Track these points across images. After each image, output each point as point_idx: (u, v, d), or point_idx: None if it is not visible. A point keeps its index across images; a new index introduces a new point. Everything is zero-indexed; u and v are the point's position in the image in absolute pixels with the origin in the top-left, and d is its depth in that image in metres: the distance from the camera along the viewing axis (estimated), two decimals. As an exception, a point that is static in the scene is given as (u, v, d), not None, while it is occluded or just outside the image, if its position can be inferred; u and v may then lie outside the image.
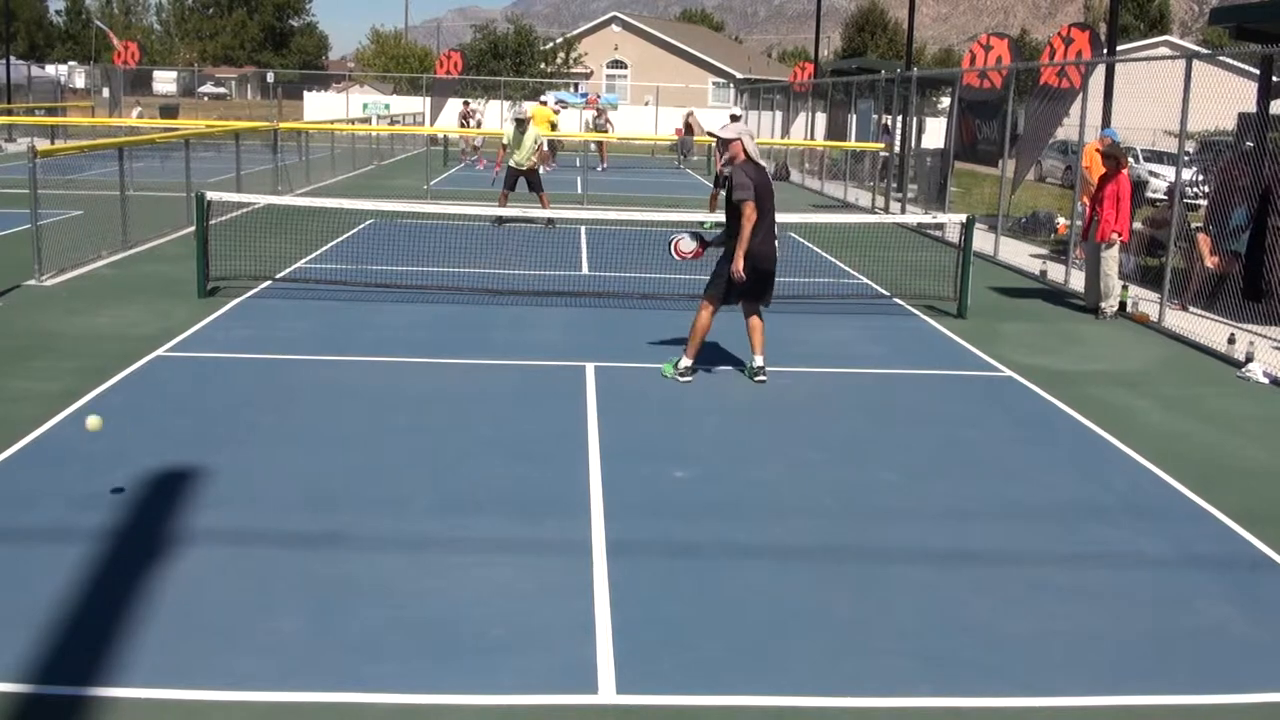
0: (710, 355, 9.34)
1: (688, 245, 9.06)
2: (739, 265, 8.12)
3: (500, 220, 16.34)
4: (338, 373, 8.51)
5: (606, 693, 4.19)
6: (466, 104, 34.41)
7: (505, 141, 17.61)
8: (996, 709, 4.20)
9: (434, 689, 4.16)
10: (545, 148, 18.58)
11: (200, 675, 4.18)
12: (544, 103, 34.12)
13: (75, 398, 7.53)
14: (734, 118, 18.29)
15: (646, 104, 51.74)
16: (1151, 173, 25.00)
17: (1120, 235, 11.86)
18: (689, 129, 36.09)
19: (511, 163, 17.33)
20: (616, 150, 37.12)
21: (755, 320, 8.62)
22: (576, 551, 5.40)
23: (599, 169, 31.71)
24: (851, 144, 25.82)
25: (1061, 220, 18.24)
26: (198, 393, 7.89)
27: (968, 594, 5.13)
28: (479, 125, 33.58)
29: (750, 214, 8.07)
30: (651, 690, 4.21)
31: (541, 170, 18.72)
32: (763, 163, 8.47)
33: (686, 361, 8.54)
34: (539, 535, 5.61)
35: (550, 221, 16.50)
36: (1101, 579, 5.35)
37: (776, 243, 8.54)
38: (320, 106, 50.70)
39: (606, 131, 34.00)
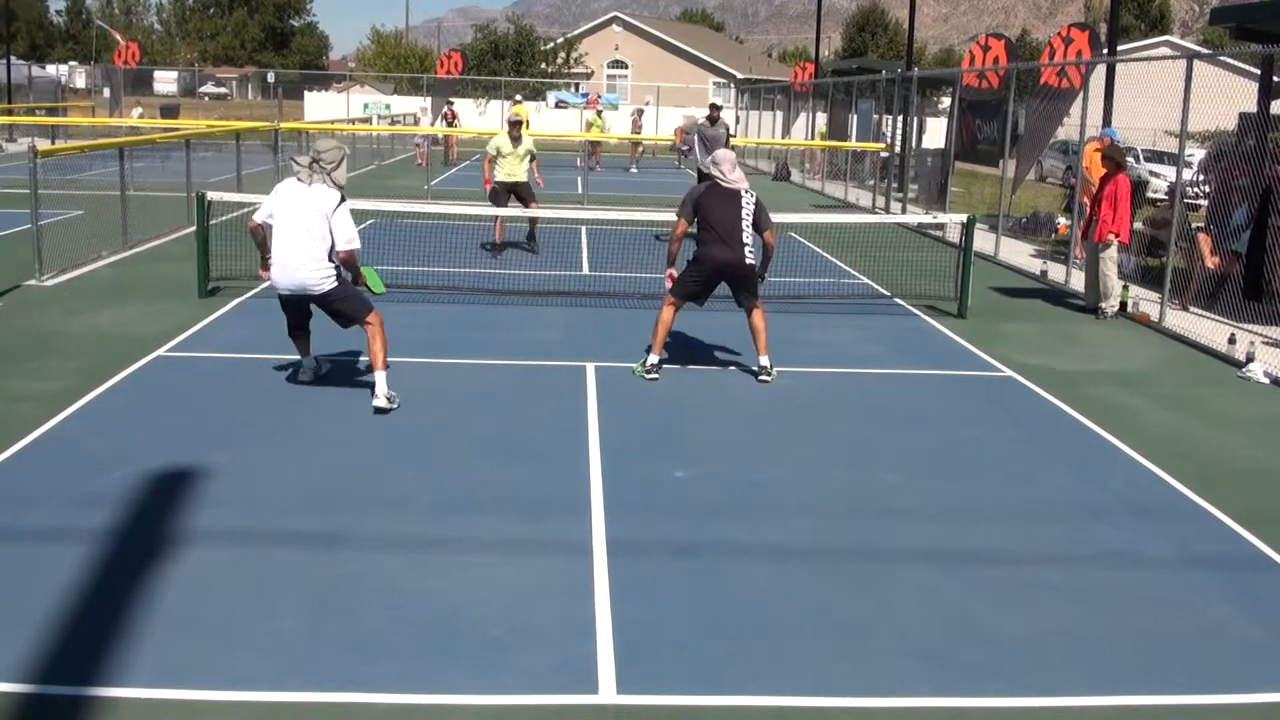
0: (711, 355, 9.35)
1: None
2: (669, 270, 8.76)
3: (531, 238, 14.97)
4: (338, 372, 8.50)
5: (607, 693, 4.19)
6: (450, 104, 34.28)
7: (493, 152, 14.59)
8: (996, 709, 4.20)
9: (434, 689, 4.17)
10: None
11: (200, 675, 4.18)
12: (576, 102, 34.30)
13: (75, 398, 7.54)
14: (715, 107, 16.28)
15: (647, 104, 51.72)
16: (1152, 173, 25.00)
17: (1118, 236, 11.86)
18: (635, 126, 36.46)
19: (502, 177, 14.58)
20: (617, 150, 37.14)
21: (755, 321, 8.64)
22: (577, 551, 5.40)
23: (630, 169, 32.02)
24: (852, 144, 25.84)
25: (1062, 220, 18.23)
26: (198, 393, 7.89)
27: (968, 594, 5.13)
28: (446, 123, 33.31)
29: (677, 227, 8.63)
30: (651, 690, 4.21)
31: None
32: (733, 184, 8.50)
33: (653, 358, 8.64)
34: (539, 535, 5.61)
35: (532, 237, 14.95)
36: (1101, 579, 5.35)
37: (744, 248, 8.45)
38: (321, 106, 50.75)
39: (640, 131, 34.53)
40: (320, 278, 7.48)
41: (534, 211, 14.17)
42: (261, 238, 7.88)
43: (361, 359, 8.91)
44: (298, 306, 7.79)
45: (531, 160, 14.75)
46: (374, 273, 8.09)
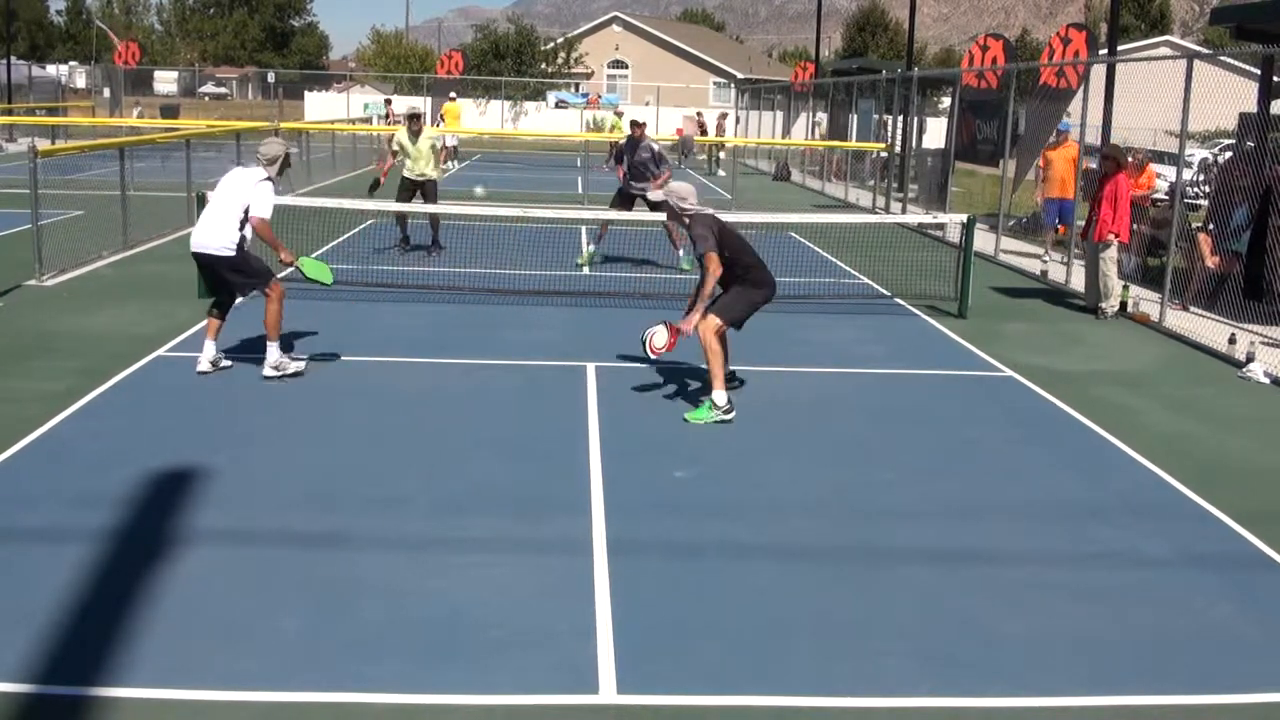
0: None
1: (662, 339, 7.74)
2: (695, 321, 7.51)
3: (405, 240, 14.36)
4: (338, 372, 8.51)
5: (607, 693, 4.19)
6: (389, 102, 33.69)
7: (395, 148, 14.24)
8: (996, 709, 4.20)
9: (434, 689, 4.17)
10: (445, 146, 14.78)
11: (200, 675, 4.18)
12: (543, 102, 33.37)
13: (76, 398, 7.54)
14: (635, 124, 14.31)
15: (647, 104, 51.74)
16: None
17: (1118, 236, 11.86)
18: (702, 129, 36.00)
19: (408, 174, 14.18)
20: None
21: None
22: (577, 551, 5.40)
23: (718, 173, 30.43)
24: (852, 144, 25.85)
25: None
26: (198, 393, 7.89)
27: (968, 594, 5.13)
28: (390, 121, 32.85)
29: (712, 267, 7.48)
30: (652, 690, 4.21)
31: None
32: (707, 210, 7.82)
33: (722, 395, 7.57)
34: (539, 535, 5.61)
35: (436, 241, 14.22)
36: (1101, 579, 5.35)
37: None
38: (321, 106, 50.75)
39: (708, 135, 33.92)
40: (219, 244, 8.04)
41: (432, 208, 13.70)
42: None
43: (351, 358, 8.92)
44: (207, 272, 8.37)
45: (436, 150, 14.38)
46: (317, 263, 8.59)
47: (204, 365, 8.24)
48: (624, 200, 13.86)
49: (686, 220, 7.74)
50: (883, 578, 5.27)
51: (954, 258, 12.49)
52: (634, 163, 13.76)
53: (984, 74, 19.14)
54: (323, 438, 7.00)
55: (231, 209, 8.08)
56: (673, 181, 8.15)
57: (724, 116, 38.73)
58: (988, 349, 10.13)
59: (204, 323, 8.37)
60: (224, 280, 8.23)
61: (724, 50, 74.31)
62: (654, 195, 8.26)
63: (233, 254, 8.06)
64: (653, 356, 7.84)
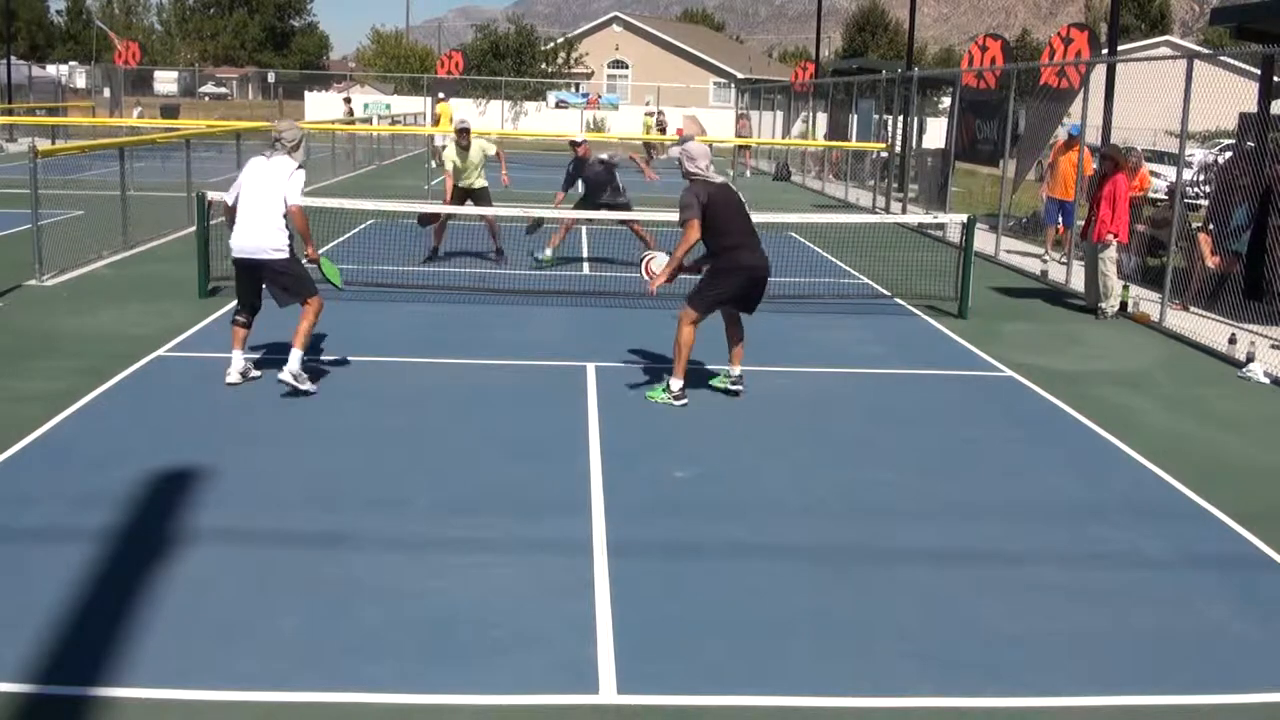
0: (711, 354, 9.33)
1: (659, 264, 8.40)
2: (660, 280, 8.02)
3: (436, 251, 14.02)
4: (338, 372, 8.51)
5: (607, 693, 4.19)
6: (348, 100, 33.59)
7: (450, 167, 13.65)
8: (996, 709, 4.20)
9: (433, 689, 4.17)
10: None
11: (200, 675, 4.18)
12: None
13: (76, 397, 7.54)
14: (574, 144, 14.01)
15: (647, 104, 51.72)
16: (1152, 173, 24.96)
17: (1116, 236, 11.86)
18: (661, 129, 35.84)
19: (460, 183, 13.65)
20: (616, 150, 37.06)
21: (737, 332, 8.13)
22: (577, 551, 5.40)
23: (745, 173, 30.42)
24: (853, 144, 25.84)
25: (1061, 220, 18.20)
26: (198, 393, 7.89)
27: (968, 594, 5.13)
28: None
29: (690, 235, 7.75)
30: (652, 690, 4.21)
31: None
32: (718, 178, 7.96)
33: (679, 382, 7.89)
34: (539, 535, 5.61)
35: (499, 252, 14.02)
36: (1101, 579, 5.35)
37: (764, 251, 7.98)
38: (321, 106, 50.73)
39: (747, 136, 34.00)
40: (274, 245, 7.72)
41: (488, 211, 13.77)
42: (233, 219, 8.06)
43: (351, 358, 8.92)
44: (249, 277, 7.93)
45: (489, 158, 13.79)
46: (332, 266, 8.39)
47: (233, 377, 7.92)
48: (590, 204, 13.55)
49: (688, 182, 7.95)
50: (883, 578, 5.27)
51: (954, 258, 12.49)
52: (591, 183, 13.43)
53: (984, 74, 19.14)
54: (323, 438, 7.00)
55: (274, 205, 7.69)
56: (691, 143, 8.23)
57: (745, 122, 37.67)
58: (988, 349, 10.13)
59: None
60: (277, 288, 7.85)
61: (724, 50, 74.31)
62: (673, 152, 8.36)
63: (285, 256, 7.72)
64: (646, 278, 8.45)
